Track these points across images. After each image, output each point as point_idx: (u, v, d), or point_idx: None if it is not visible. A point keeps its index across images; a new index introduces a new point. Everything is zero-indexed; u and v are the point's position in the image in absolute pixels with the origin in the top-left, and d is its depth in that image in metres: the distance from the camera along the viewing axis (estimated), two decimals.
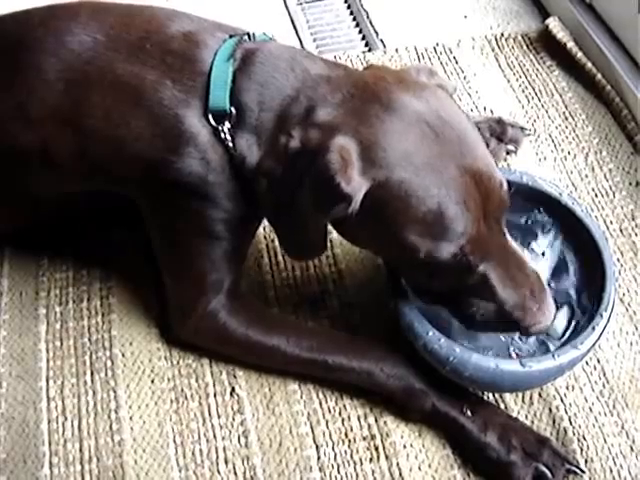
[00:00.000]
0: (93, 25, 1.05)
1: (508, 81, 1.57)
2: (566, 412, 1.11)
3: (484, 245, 0.94)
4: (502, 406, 1.12)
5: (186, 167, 1.01)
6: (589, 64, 1.56)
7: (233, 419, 1.12)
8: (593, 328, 1.04)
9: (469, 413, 1.06)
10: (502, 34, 1.67)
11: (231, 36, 1.05)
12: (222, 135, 1.00)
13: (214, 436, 1.11)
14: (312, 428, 1.11)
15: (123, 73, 1.01)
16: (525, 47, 1.64)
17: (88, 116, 1.03)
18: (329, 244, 1.30)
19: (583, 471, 1.05)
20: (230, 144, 1.00)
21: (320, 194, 0.93)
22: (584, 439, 1.09)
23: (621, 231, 1.32)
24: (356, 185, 0.91)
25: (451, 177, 0.91)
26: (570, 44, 1.60)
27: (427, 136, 0.92)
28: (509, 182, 1.15)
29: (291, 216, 0.99)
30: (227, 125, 0.99)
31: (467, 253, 0.93)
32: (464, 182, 0.91)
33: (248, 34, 1.06)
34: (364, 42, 1.72)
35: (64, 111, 1.03)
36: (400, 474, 1.07)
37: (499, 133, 1.41)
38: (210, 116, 1.00)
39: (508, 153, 1.43)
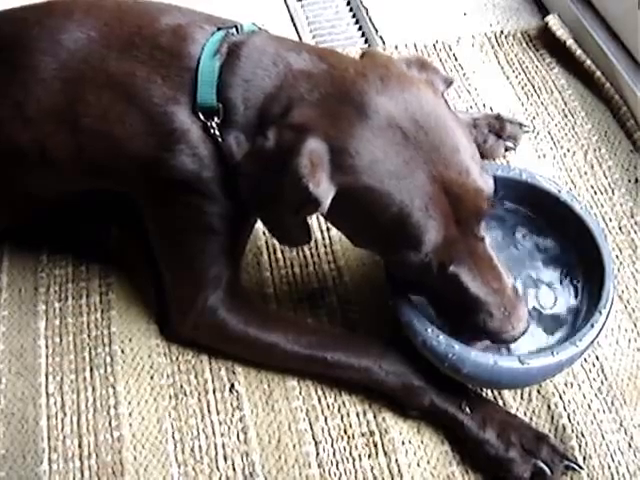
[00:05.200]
0: (87, 22, 1.04)
1: (507, 78, 1.57)
2: (565, 409, 1.11)
3: (454, 249, 0.94)
4: (501, 403, 1.12)
5: (180, 164, 1.01)
6: (588, 61, 1.55)
7: (232, 415, 1.13)
8: (592, 325, 1.04)
9: (468, 410, 1.06)
10: (502, 31, 1.67)
11: (219, 29, 1.04)
12: (212, 131, 1.00)
13: (213, 432, 1.11)
14: (311, 424, 1.11)
15: (116, 71, 1.01)
16: (524, 44, 1.64)
17: (84, 115, 1.02)
18: (328, 241, 1.30)
19: (581, 467, 1.05)
20: (220, 139, 1.00)
21: (290, 195, 0.93)
22: (582, 436, 1.09)
23: (620, 228, 1.32)
24: (324, 189, 0.91)
25: (417, 185, 0.91)
26: (569, 41, 1.59)
27: (397, 142, 0.91)
28: (508, 180, 1.17)
29: (270, 212, 1.01)
30: (216, 120, 1.00)
31: (432, 258, 0.94)
32: (430, 190, 0.91)
33: (236, 26, 1.05)
34: (363, 39, 1.71)
35: (61, 110, 1.03)
36: (399, 470, 1.07)
37: (498, 130, 1.41)
38: (199, 112, 1.00)
39: (507, 150, 1.43)
